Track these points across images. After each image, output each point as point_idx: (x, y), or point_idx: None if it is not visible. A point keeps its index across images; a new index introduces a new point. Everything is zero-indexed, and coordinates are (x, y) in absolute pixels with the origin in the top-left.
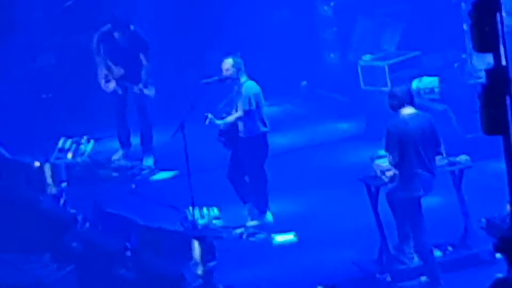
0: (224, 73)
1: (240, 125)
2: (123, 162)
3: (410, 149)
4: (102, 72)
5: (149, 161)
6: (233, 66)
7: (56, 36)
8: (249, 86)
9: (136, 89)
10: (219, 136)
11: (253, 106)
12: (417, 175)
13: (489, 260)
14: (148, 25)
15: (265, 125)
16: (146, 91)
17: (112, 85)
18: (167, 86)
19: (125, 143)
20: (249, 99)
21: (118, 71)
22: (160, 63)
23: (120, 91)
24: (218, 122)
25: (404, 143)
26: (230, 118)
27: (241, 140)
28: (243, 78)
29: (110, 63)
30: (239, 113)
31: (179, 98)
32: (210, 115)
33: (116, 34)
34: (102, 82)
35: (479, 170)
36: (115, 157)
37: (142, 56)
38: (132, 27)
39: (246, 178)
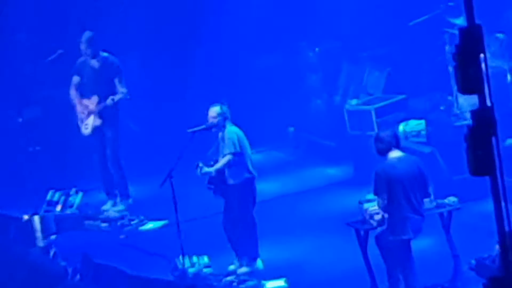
0: (210, 120)
1: (227, 172)
2: (112, 213)
3: (399, 192)
4: (78, 111)
5: (121, 207)
6: (219, 114)
7: (42, 89)
8: (231, 130)
9: (109, 100)
10: (208, 184)
11: (237, 148)
12: (407, 218)
13: None
14: (133, 73)
15: (251, 171)
16: (116, 98)
17: (90, 121)
18: (154, 135)
19: (110, 192)
20: (233, 142)
21: (91, 103)
22: (147, 111)
23: (98, 122)
24: (208, 169)
25: (392, 187)
26: (219, 165)
27: (229, 188)
28: (228, 125)
29: (82, 98)
30: (227, 157)
31: (166, 147)
32: (200, 164)
33: (89, 61)
34: (81, 125)
35: (468, 211)
36: (105, 207)
37: (116, 81)
38: (104, 54)
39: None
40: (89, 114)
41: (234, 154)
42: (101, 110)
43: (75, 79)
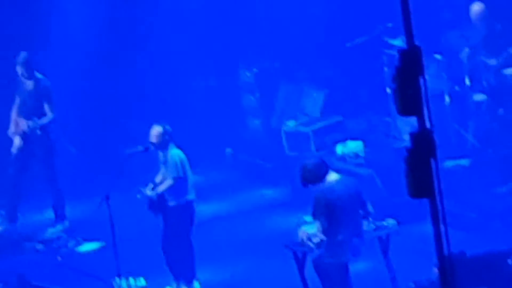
0: (153, 140)
1: (167, 194)
2: (48, 234)
3: (338, 215)
4: (9, 131)
5: (58, 228)
6: (162, 134)
7: None
8: (175, 153)
9: (24, 125)
10: (149, 207)
11: (180, 173)
12: (345, 241)
13: None
14: (71, 94)
15: (191, 193)
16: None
17: (15, 141)
18: (92, 156)
19: (12, 216)
20: (176, 166)
21: (23, 124)
22: (84, 132)
23: (20, 144)
24: (150, 193)
25: (331, 209)
26: (161, 188)
27: (168, 209)
28: (171, 147)
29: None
30: (169, 181)
31: (104, 168)
32: (142, 189)
33: (25, 82)
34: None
35: (406, 233)
36: None
37: (45, 105)
38: (38, 75)
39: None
40: (15, 134)
41: (176, 178)
42: (28, 132)
43: (16, 99)
